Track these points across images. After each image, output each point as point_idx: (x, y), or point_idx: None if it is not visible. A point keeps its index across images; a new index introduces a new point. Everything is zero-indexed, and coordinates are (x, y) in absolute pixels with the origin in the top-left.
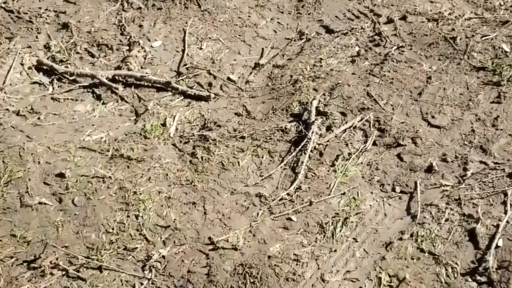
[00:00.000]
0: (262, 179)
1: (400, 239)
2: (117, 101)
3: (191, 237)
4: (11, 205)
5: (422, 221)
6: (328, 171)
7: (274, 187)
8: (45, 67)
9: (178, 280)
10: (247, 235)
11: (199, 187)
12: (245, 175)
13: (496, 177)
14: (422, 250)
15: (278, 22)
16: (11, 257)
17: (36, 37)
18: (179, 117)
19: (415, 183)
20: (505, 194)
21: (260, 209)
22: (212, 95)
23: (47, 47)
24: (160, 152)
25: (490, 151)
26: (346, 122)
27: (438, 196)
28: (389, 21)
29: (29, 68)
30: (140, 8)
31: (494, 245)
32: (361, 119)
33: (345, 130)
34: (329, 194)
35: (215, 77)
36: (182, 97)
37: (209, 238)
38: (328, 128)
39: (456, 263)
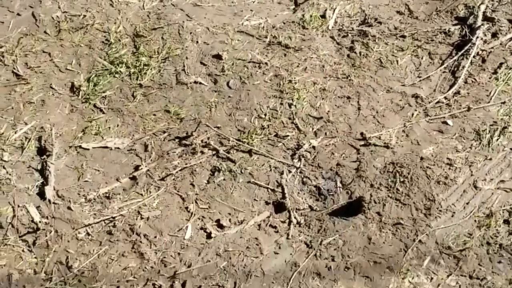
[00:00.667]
0: (420, 80)
1: None
2: None
3: (343, 130)
4: (167, 81)
5: None
6: (490, 78)
7: (432, 90)
8: None
9: (327, 172)
10: (400, 135)
11: (355, 82)
12: (402, 74)
13: None
14: None
15: None
16: (164, 132)
17: None
18: (339, 10)
19: None
20: None
21: (416, 110)
22: None
23: None
24: (318, 43)
25: None
26: None
27: None
28: None
29: None
30: None
31: None
32: None
33: (511, 38)
34: (489, 102)
35: None
36: None
37: (361, 134)
38: (494, 35)
39: None
